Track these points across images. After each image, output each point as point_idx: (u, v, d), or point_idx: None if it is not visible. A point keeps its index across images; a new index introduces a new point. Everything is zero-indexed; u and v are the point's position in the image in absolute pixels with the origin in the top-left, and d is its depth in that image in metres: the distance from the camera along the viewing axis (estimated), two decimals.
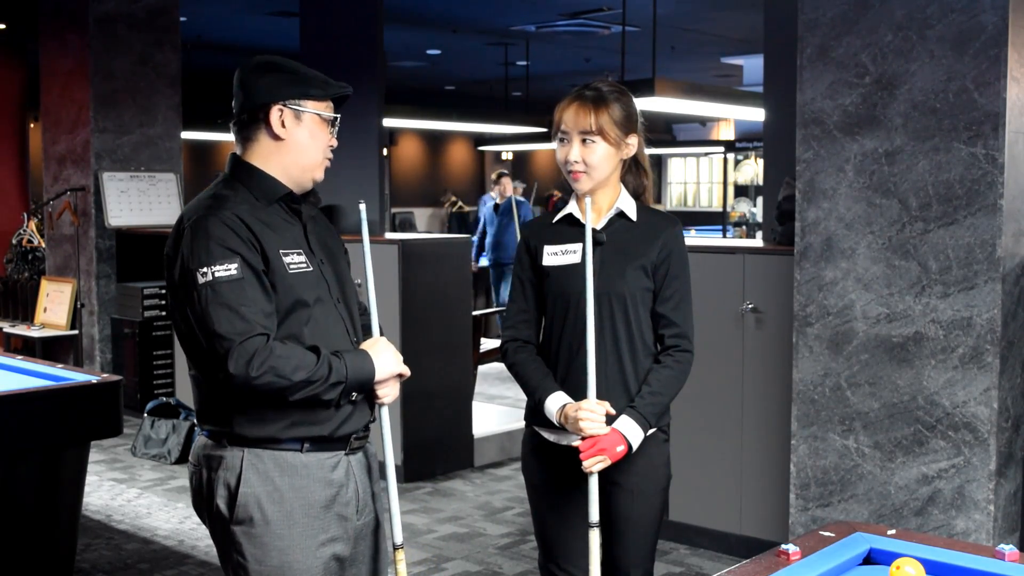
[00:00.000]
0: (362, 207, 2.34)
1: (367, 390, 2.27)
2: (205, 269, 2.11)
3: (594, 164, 2.54)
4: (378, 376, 2.25)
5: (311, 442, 2.23)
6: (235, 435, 2.22)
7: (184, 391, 6.75)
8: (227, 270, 2.11)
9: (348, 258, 2.46)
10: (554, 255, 2.61)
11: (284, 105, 2.25)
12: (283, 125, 2.25)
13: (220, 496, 2.23)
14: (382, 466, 2.38)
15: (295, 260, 2.23)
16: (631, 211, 2.61)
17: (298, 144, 2.26)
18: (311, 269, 2.26)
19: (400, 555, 2.34)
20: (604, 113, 2.54)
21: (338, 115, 2.32)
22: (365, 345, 2.28)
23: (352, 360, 2.20)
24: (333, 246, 2.40)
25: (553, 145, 2.63)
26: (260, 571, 2.22)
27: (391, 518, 2.36)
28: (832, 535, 2.10)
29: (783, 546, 1.99)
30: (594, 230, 2.57)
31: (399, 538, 2.34)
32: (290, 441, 2.22)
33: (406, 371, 2.32)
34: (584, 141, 2.54)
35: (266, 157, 2.28)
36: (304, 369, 2.12)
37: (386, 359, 2.26)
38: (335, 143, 2.33)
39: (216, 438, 2.25)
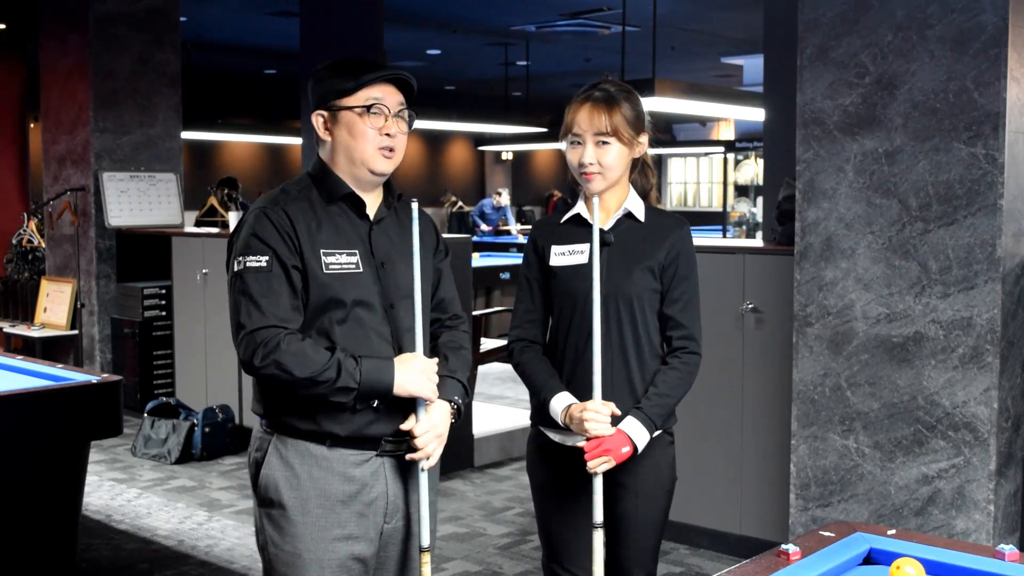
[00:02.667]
0: (414, 205, 2.28)
1: (387, 400, 2.22)
2: (240, 258, 2.21)
3: (609, 165, 2.54)
4: (397, 390, 2.20)
5: (332, 439, 2.25)
6: (270, 421, 2.30)
7: (184, 391, 6.75)
8: (257, 261, 2.19)
9: (443, 262, 2.42)
10: (561, 255, 2.60)
11: (321, 110, 2.30)
12: (325, 129, 2.31)
13: (251, 475, 2.33)
14: (429, 472, 2.32)
15: (340, 260, 2.24)
16: (639, 212, 2.61)
17: (341, 143, 2.29)
18: (360, 271, 2.25)
19: (426, 558, 2.31)
20: (617, 113, 2.53)
21: (378, 98, 2.26)
22: (399, 358, 2.24)
23: (370, 367, 2.18)
24: (398, 239, 2.35)
25: (559, 145, 2.62)
26: (276, 554, 2.27)
27: (419, 520, 2.33)
28: (832, 535, 2.10)
29: (783, 546, 1.98)
30: (601, 231, 2.57)
31: (426, 541, 2.32)
32: (313, 435, 2.25)
33: (431, 396, 2.25)
34: (599, 143, 2.54)
35: (327, 158, 2.34)
36: (309, 368, 2.13)
37: (411, 376, 2.21)
38: (390, 129, 2.28)
39: (263, 421, 2.34)
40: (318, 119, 2.31)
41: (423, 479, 2.30)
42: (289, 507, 2.25)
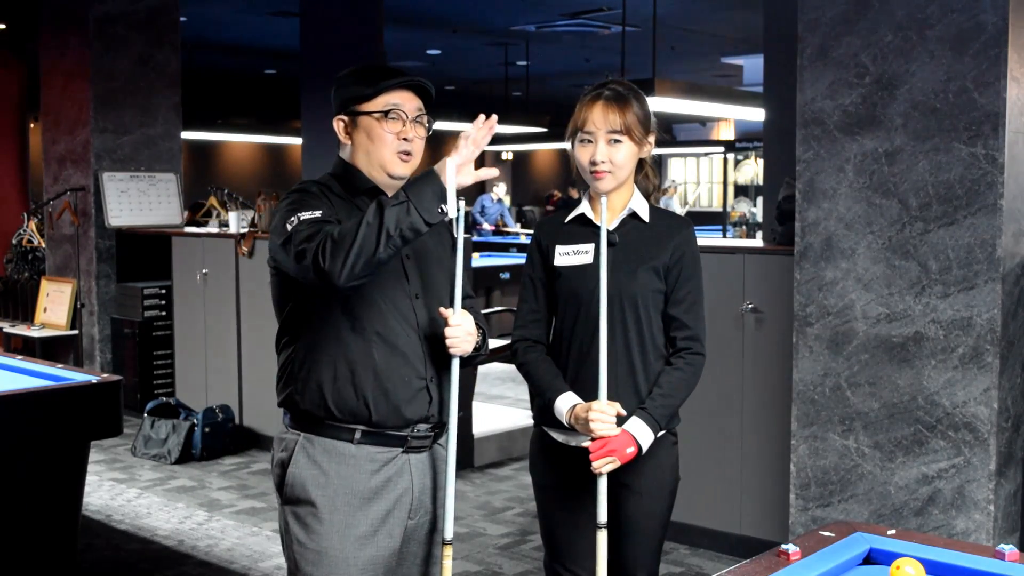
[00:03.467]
0: (461, 203, 2.28)
1: (443, 190, 2.12)
2: (293, 218, 2.21)
3: (620, 163, 2.54)
4: (443, 171, 2.12)
5: (363, 433, 2.29)
6: (296, 412, 2.32)
7: (184, 391, 6.75)
8: (311, 214, 2.21)
9: (461, 256, 2.44)
10: (566, 255, 2.59)
11: (342, 115, 2.37)
12: (346, 133, 2.38)
13: (275, 475, 2.37)
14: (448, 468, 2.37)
15: None
16: (644, 212, 2.60)
17: (360, 146, 2.36)
18: None
19: (448, 551, 2.34)
20: (629, 112, 2.54)
21: (396, 104, 2.32)
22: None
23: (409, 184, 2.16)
24: (432, 243, 2.41)
25: (560, 145, 2.63)
26: (303, 553, 2.30)
27: (444, 513, 2.35)
28: (832, 535, 2.10)
29: (783, 546, 1.99)
30: (607, 231, 2.57)
31: (449, 534, 2.34)
32: (341, 427, 2.28)
33: (468, 153, 2.15)
34: (611, 141, 2.54)
35: (350, 158, 2.40)
36: (353, 224, 2.12)
37: (446, 161, 2.13)
38: (408, 134, 2.33)
39: (285, 419, 2.37)
40: (339, 124, 2.38)
41: (450, 474, 2.34)
42: (318, 505, 2.28)
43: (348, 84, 2.37)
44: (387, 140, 2.32)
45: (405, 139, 2.33)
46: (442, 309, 2.33)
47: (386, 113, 2.31)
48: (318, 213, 2.22)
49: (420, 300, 2.36)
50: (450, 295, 2.36)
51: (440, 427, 2.40)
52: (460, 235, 2.34)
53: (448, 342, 2.30)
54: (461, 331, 2.31)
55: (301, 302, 2.31)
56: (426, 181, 2.13)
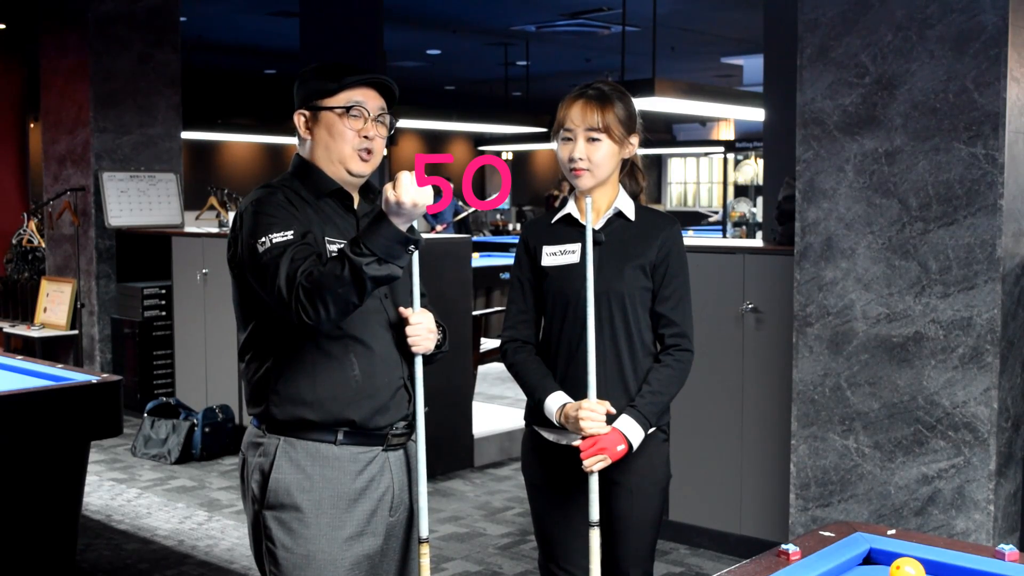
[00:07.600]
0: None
1: (405, 236, 2.12)
2: (264, 239, 2.18)
3: (598, 162, 2.55)
4: (401, 200, 2.08)
5: (345, 434, 2.27)
6: (274, 421, 2.29)
7: (184, 391, 6.75)
8: (284, 236, 2.18)
9: (417, 255, 2.42)
10: (553, 255, 2.61)
11: (303, 110, 2.35)
12: (306, 128, 2.35)
13: (254, 481, 2.31)
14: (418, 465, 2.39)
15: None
16: (629, 211, 2.62)
17: (320, 142, 2.33)
18: None
19: (424, 549, 2.36)
20: (610, 111, 2.55)
21: (358, 101, 2.30)
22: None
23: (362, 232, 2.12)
24: None
25: (553, 145, 2.64)
26: (288, 558, 2.27)
27: (418, 512, 2.37)
28: (832, 535, 2.10)
29: (783, 546, 1.99)
30: (593, 230, 2.58)
31: (424, 532, 2.36)
32: (323, 430, 2.27)
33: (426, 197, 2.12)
34: (589, 139, 2.55)
35: (310, 156, 2.37)
36: (327, 270, 2.09)
37: (399, 191, 2.08)
38: (369, 131, 2.31)
39: (259, 426, 2.33)
40: (300, 118, 2.36)
41: (421, 472, 2.35)
42: (302, 509, 2.26)
43: (311, 79, 2.34)
44: (348, 136, 2.30)
45: (366, 137, 2.31)
46: (402, 309, 2.34)
47: (348, 109, 2.30)
48: (289, 234, 2.17)
49: (389, 299, 2.36)
50: (409, 294, 2.36)
51: (414, 423, 2.41)
52: (415, 259, 2.33)
53: (410, 340, 2.32)
54: (422, 329, 2.33)
55: (268, 317, 2.27)
56: (387, 233, 2.07)
